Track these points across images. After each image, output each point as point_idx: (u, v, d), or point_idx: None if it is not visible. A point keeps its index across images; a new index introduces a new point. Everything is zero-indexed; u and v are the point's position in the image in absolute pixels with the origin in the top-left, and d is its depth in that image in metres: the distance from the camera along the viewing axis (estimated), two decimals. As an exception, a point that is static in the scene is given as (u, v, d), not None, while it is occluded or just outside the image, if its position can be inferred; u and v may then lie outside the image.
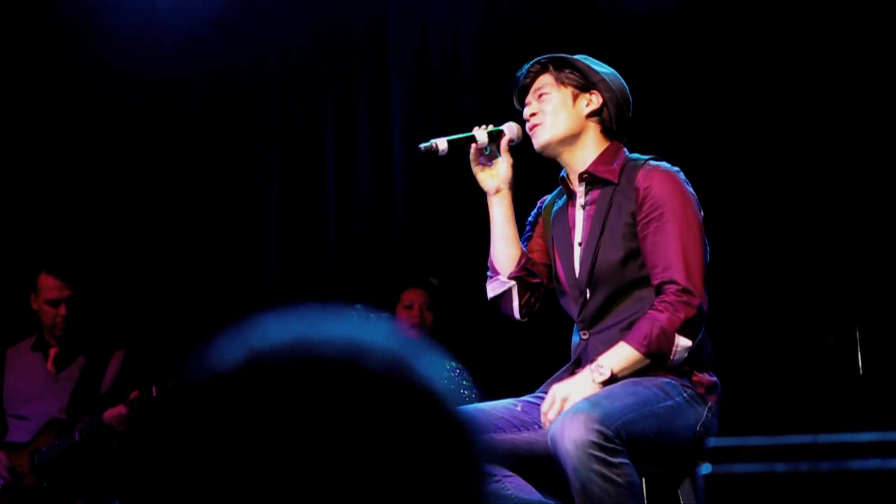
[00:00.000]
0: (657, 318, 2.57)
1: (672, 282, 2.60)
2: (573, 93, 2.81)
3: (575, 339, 2.81)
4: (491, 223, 2.90)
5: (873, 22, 4.47)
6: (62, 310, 4.44)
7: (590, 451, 2.34)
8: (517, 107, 2.93)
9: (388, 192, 5.37)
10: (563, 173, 2.88)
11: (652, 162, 2.76)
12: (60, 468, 4.28)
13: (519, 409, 2.72)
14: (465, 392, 4.45)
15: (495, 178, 2.90)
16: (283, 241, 5.45)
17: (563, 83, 2.82)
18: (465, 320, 5.02)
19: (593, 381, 2.55)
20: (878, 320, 4.16)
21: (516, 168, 2.91)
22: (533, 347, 4.66)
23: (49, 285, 4.45)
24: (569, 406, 2.50)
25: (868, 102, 4.47)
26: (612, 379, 2.56)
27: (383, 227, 5.36)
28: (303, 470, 0.73)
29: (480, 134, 2.88)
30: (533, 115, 2.82)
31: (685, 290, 2.58)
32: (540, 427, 2.68)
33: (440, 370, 0.85)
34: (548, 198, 2.99)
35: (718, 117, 4.64)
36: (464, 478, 0.78)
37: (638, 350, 2.56)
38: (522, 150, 2.94)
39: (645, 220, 2.67)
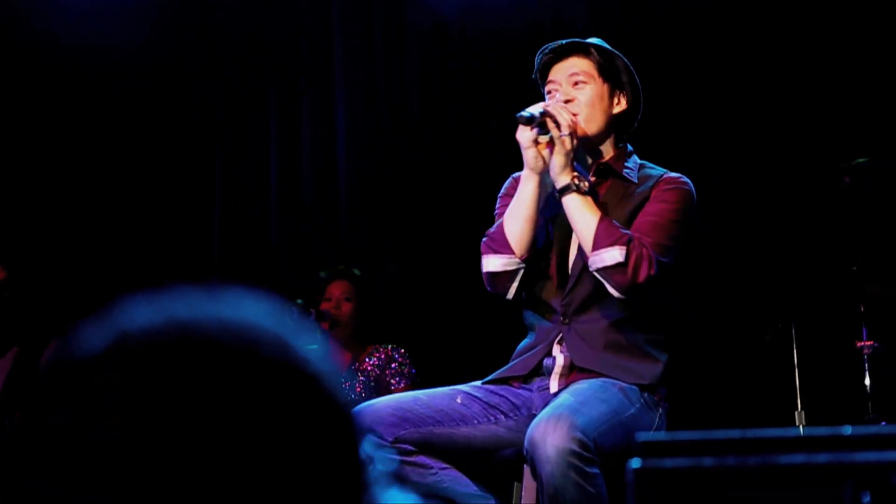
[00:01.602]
0: (629, 236, 2.65)
1: (643, 240, 2.68)
2: (609, 88, 2.80)
3: (544, 323, 2.80)
4: (519, 199, 2.77)
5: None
6: None
7: (569, 459, 2.34)
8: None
9: (332, 190, 5.37)
10: None
11: (669, 173, 2.83)
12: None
13: (459, 401, 2.71)
14: (405, 373, 4.50)
15: (542, 158, 2.76)
16: (224, 234, 5.43)
17: (601, 75, 2.79)
18: (408, 309, 5.04)
19: (573, 178, 2.68)
20: (814, 319, 4.22)
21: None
22: (474, 333, 4.70)
23: None
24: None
25: (786, 108, 4.55)
26: (569, 189, 2.68)
27: (326, 224, 5.36)
28: (173, 454, 0.72)
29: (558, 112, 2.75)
30: (569, 101, 2.77)
31: (650, 255, 2.65)
32: (479, 422, 2.68)
33: (323, 352, 0.83)
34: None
35: (661, 122, 4.68)
36: (341, 459, 0.78)
37: (598, 223, 2.65)
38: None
39: (649, 202, 2.75)
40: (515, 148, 2.80)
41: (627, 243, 2.64)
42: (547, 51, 2.84)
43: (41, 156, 5.28)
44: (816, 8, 4.65)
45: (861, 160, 3.88)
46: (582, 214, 2.68)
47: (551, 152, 2.71)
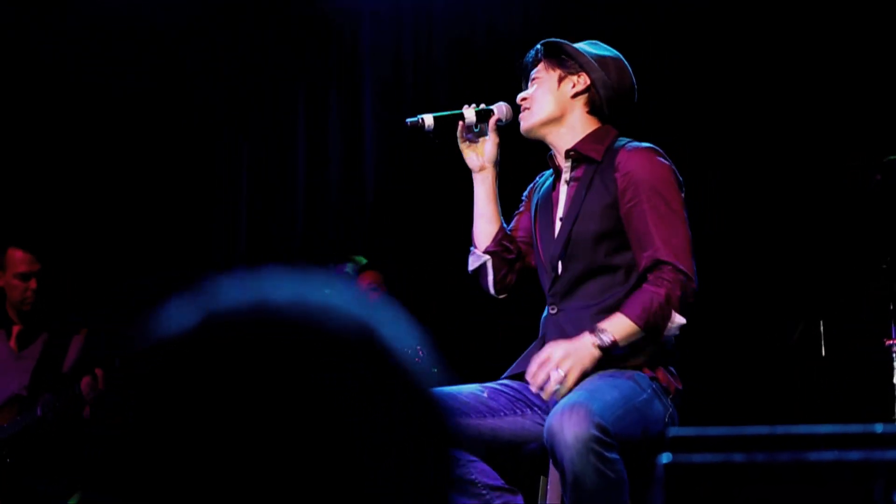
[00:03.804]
0: (656, 292, 2.59)
1: (664, 262, 2.62)
2: (559, 76, 2.85)
3: (544, 315, 2.82)
4: (474, 199, 2.93)
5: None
6: (32, 283, 4.43)
7: (589, 444, 2.35)
8: None
9: (359, 179, 5.37)
10: (550, 152, 2.90)
11: (633, 143, 2.77)
12: (23, 445, 4.26)
13: (485, 395, 2.72)
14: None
15: (480, 156, 2.93)
16: (251, 222, 5.45)
17: (550, 67, 2.86)
18: (434, 306, 5.04)
19: (594, 344, 2.55)
20: (843, 316, 4.20)
21: (502, 148, 2.94)
22: (499, 333, 4.69)
23: (19, 259, 4.44)
24: (564, 371, 2.51)
25: (816, 104, 4.52)
26: (613, 346, 2.57)
27: (352, 212, 5.37)
28: (259, 434, 0.72)
29: (469, 112, 2.89)
30: (523, 100, 2.88)
31: (680, 271, 2.61)
32: (505, 414, 2.69)
33: (404, 341, 0.83)
34: (543, 174, 3.01)
35: (687, 114, 4.66)
36: (431, 450, 0.78)
37: (636, 323, 2.57)
38: (511, 130, 2.95)
39: (628, 206, 2.68)
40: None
41: (650, 311, 2.58)
42: (523, 68, 2.94)
43: (73, 155, 5.32)
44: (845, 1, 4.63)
45: (893, 157, 3.85)
46: (623, 335, 2.61)
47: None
